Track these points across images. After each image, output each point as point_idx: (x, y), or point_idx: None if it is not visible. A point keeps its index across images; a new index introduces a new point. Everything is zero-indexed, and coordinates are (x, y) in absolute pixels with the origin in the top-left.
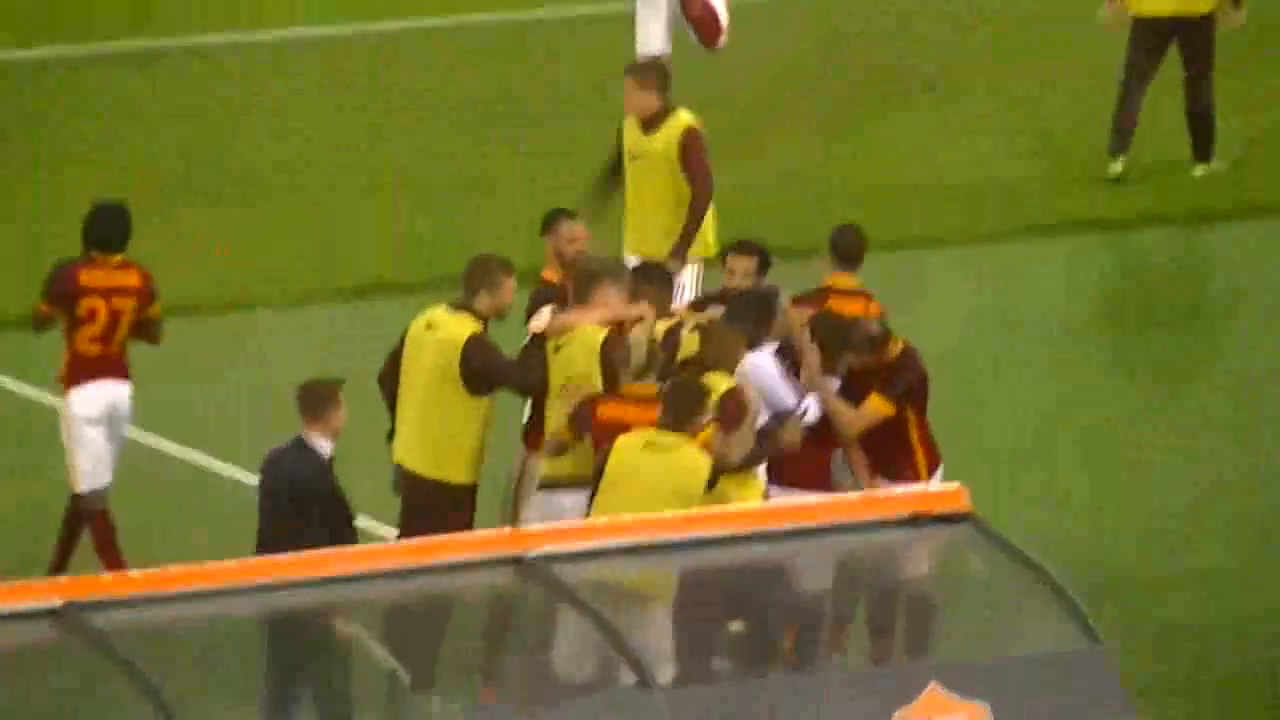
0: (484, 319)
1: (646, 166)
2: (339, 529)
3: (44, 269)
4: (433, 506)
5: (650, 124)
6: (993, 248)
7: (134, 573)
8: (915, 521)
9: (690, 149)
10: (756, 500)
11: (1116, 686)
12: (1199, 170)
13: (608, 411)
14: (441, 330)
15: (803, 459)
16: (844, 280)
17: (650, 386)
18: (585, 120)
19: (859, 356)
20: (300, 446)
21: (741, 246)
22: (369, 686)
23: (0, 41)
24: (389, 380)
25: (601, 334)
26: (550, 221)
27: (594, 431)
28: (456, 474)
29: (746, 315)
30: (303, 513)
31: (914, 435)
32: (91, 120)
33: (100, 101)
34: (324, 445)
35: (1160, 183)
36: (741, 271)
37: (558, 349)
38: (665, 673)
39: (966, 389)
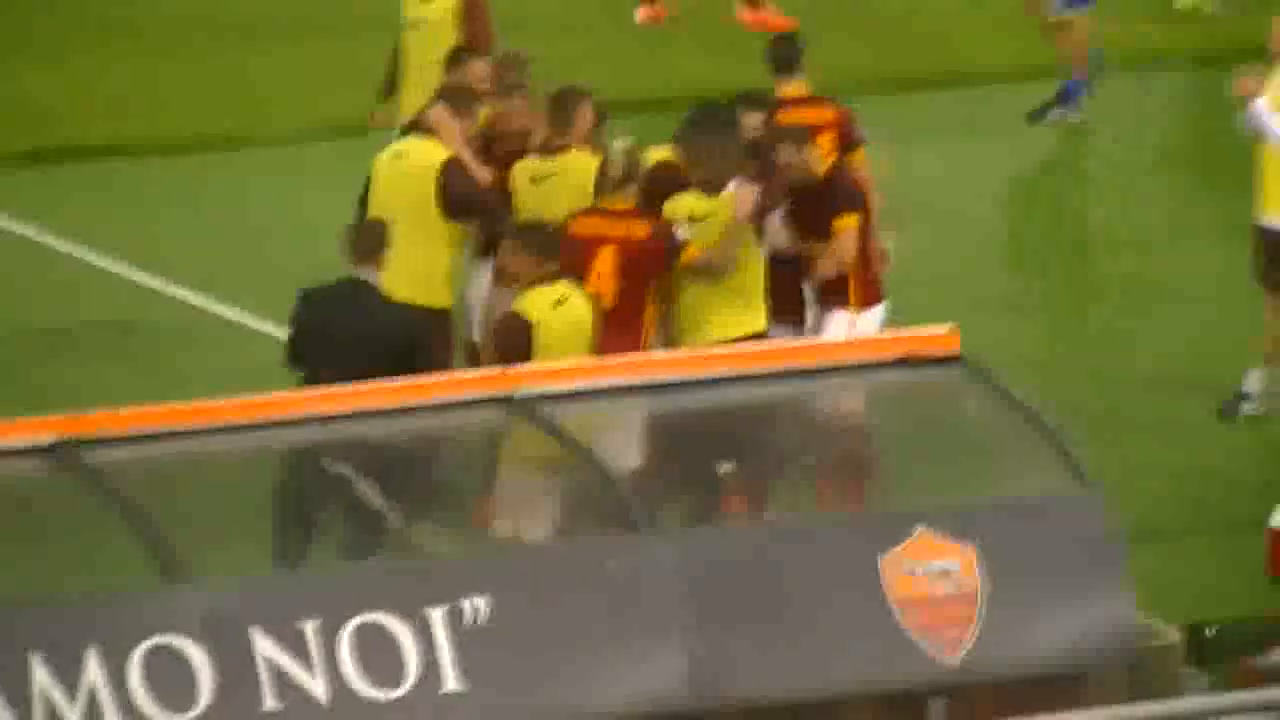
0: (480, 149)
1: (425, 34)
2: None
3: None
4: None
5: None
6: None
7: (126, 410)
8: (906, 363)
9: (473, 10)
10: (759, 323)
11: (1105, 529)
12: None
13: (584, 227)
14: (413, 158)
15: (776, 288)
16: (791, 89)
17: (628, 200)
18: None
19: (790, 160)
20: (376, 293)
21: (751, 99)
22: (359, 525)
23: None
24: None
25: (594, 161)
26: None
27: (566, 248)
28: (439, 298)
29: (711, 130)
30: (400, 364)
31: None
32: None
33: None
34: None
35: None
36: (750, 127)
37: (535, 181)
38: (653, 514)
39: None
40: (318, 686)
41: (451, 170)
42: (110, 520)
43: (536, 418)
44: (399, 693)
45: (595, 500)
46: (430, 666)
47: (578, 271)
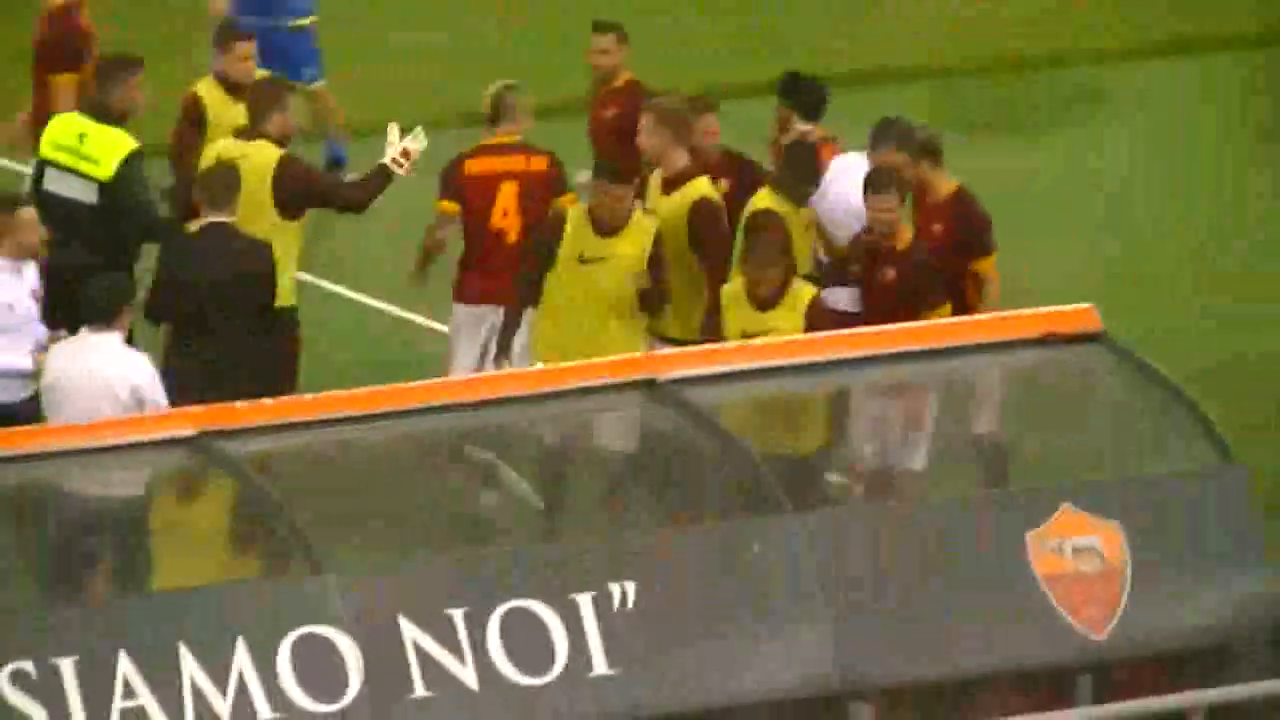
0: (280, 143)
1: None
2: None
3: None
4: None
5: None
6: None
7: (266, 401)
8: (1047, 341)
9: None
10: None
11: (1249, 506)
12: None
13: (479, 165)
14: (242, 162)
15: None
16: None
17: (512, 134)
18: None
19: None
20: (236, 236)
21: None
22: (504, 512)
23: None
24: None
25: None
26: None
27: (465, 187)
28: (283, 298)
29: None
30: (249, 309)
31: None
32: None
33: None
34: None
35: None
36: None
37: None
38: (796, 496)
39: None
40: (467, 673)
41: (287, 167)
42: (252, 511)
43: (678, 401)
44: (548, 678)
45: (739, 483)
46: (579, 652)
47: (482, 208)
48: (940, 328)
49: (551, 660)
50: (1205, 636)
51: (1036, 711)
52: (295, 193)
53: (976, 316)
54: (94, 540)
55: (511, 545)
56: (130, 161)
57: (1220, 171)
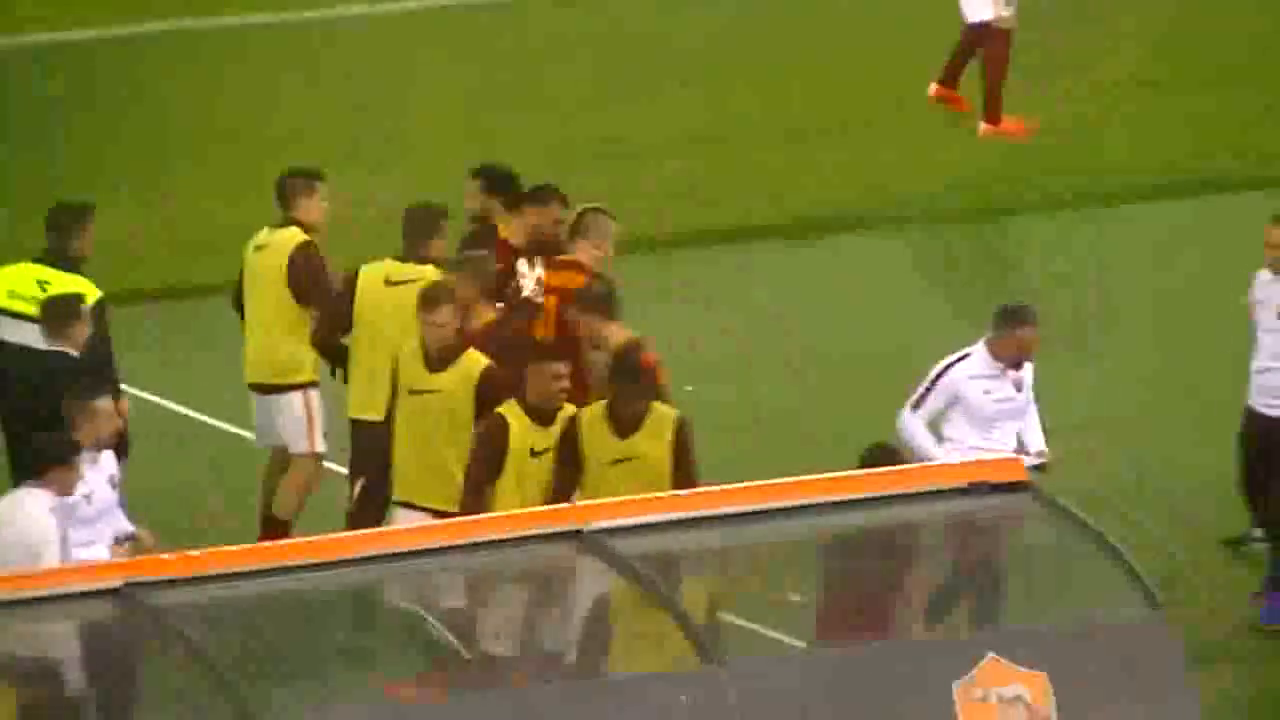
0: (307, 229)
1: None
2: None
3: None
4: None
5: None
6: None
7: (193, 553)
8: (973, 490)
9: None
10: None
11: (1177, 655)
12: None
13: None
14: (270, 247)
15: None
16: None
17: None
18: None
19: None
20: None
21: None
22: (434, 662)
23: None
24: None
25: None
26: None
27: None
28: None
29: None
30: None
31: None
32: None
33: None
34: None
35: None
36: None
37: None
38: (723, 647)
39: None
40: None
41: (299, 254)
42: (181, 662)
43: (604, 552)
44: None
45: (666, 634)
46: None
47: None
48: (869, 478)
49: None
50: None
51: None
52: (299, 280)
53: (904, 467)
54: (18, 694)
55: (438, 696)
56: (97, 309)
57: None
